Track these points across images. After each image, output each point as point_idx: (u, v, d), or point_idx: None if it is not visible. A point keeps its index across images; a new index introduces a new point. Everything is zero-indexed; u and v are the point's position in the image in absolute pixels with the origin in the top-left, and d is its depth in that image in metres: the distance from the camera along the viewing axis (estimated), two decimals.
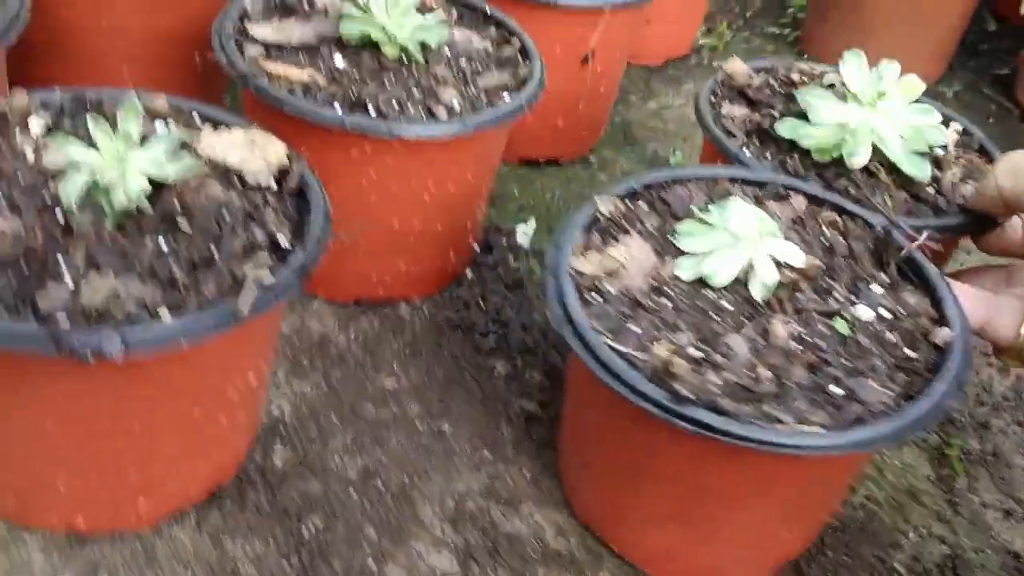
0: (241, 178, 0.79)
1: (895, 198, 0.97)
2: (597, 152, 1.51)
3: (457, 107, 0.99)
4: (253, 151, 0.81)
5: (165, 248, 0.70)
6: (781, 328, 0.74)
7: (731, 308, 0.78)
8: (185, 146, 0.80)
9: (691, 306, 0.77)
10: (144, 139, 0.79)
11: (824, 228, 0.87)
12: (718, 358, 0.72)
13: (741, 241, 0.77)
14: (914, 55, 1.37)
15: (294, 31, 1.02)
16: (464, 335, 1.11)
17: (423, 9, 1.12)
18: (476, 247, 1.21)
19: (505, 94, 1.04)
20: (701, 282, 0.79)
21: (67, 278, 0.65)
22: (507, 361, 1.08)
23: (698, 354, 0.72)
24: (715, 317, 0.76)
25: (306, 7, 1.09)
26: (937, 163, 1.03)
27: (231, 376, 0.75)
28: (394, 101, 0.96)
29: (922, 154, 0.98)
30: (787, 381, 0.71)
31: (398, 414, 0.99)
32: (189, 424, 0.75)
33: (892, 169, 0.98)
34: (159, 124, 0.83)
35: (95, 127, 0.70)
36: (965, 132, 1.14)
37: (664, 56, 1.78)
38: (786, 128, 0.99)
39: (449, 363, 1.07)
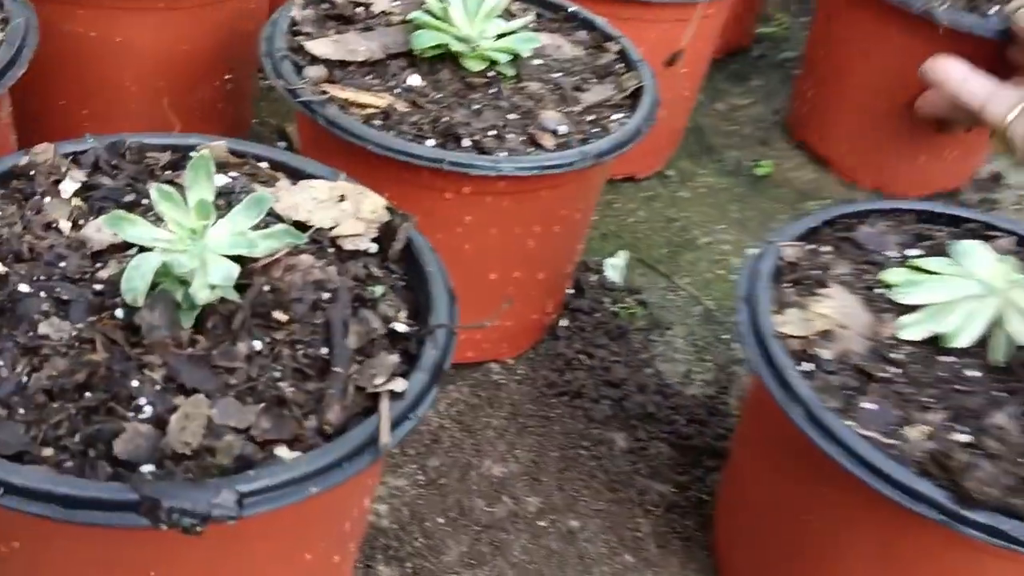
0: (337, 246, 0.63)
1: None
2: (675, 164, 1.35)
3: (564, 131, 0.83)
4: (345, 208, 0.65)
5: (263, 353, 0.53)
6: None
7: (978, 375, 0.62)
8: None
9: (929, 375, 0.62)
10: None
11: None
12: (991, 443, 0.57)
13: (991, 291, 0.62)
14: None
15: (358, 45, 0.86)
16: (571, 402, 0.95)
17: (506, 15, 0.96)
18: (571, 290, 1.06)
19: (615, 114, 0.88)
20: (932, 343, 0.64)
21: (146, 407, 0.49)
22: (627, 432, 0.93)
23: (964, 439, 0.57)
24: (964, 388, 0.61)
25: (363, 12, 0.93)
26: None
27: (350, 508, 0.58)
28: (491, 129, 0.80)
29: None
30: None
31: (515, 510, 0.83)
32: (296, 573, 0.58)
33: None
34: (220, 177, 0.67)
35: (160, 198, 0.53)
36: None
37: (723, 50, 1.63)
38: None
39: (561, 439, 0.91)
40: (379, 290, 0.61)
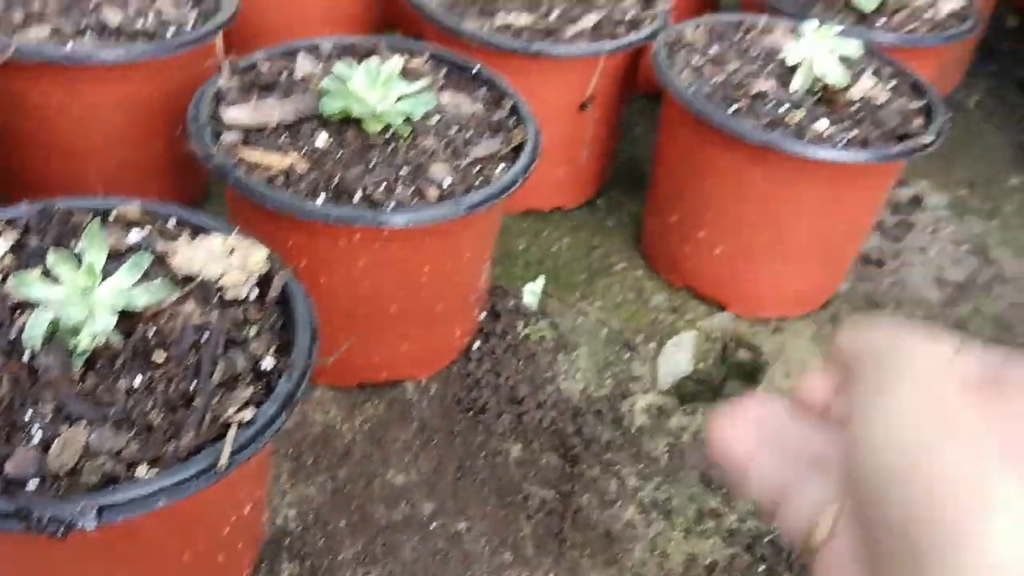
0: (221, 293, 0.75)
1: None
2: (605, 194, 1.46)
3: (448, 183, 0.95)
4: (233, 260, 0.77)
5: (139, 387, 0.66)
6: None
7: None
8: (160, 260, 0.77)
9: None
10: (118, 253, 0.76)
11: None
12: None
13: None
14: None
15: (273, 111, 0.98)
16: (475, 417, 1.07)
17: (409, 74, 1.08)
18: (483, 315, 1.17)
19: (500, 165, 0.99)
20: None
21: (36, 433, 0.62)
22: (523, 444, 1.04)
23: None
24: None
25: (285, 80, 1.05)
26: None
27: (225, 515, 0.71)
28: (382, 183, 0.92)
29: None
30: None
31: (410, 515, 0.95)
32: (180, 570, 0.71)
33: None
34: (135, 232, 0.80)
35: (56, 260, 0.66)
36: None
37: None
38: None
39: (461, 451, 1.02)
40: (252, 331, 0.73)
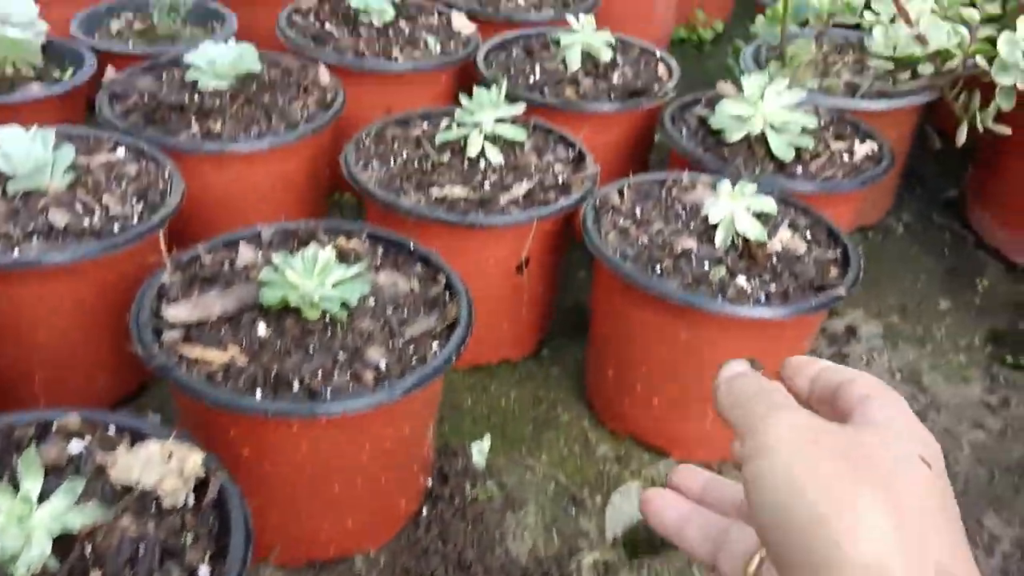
0: (158, 502, 0.78)
1: None
2: (549, 343, 1.51)
3: (385, 365, 0.99)
4: (171, 466, 0.80)
5: None
6: None
7: None
8: (100, 471, 0.79)
9: None
10: (58, 467, 0.79)
11: None
12: None
13: None
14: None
15: (214, 305, 1.03)
16: None
17: (348, 255, 1.13)
18: (430, 479, 1.20)
19: (435, 342, 1.04)
20: None
21: None
22: None
23: None
24: None
25: (227, 270, 1.10)
26: None
27: None
28: (319, 371, 0.96)
29: None
30: None
31: None
32: None
33: None
34: (75, 443, 0.83)
35: None
36: None
37: None
38: None
39: None
40: (188, 539, 0.76)
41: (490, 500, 1.21)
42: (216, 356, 0.96)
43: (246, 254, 1.12)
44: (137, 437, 0.85)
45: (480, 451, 1.28)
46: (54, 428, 0.84)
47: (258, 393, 0.93)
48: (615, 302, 1.25)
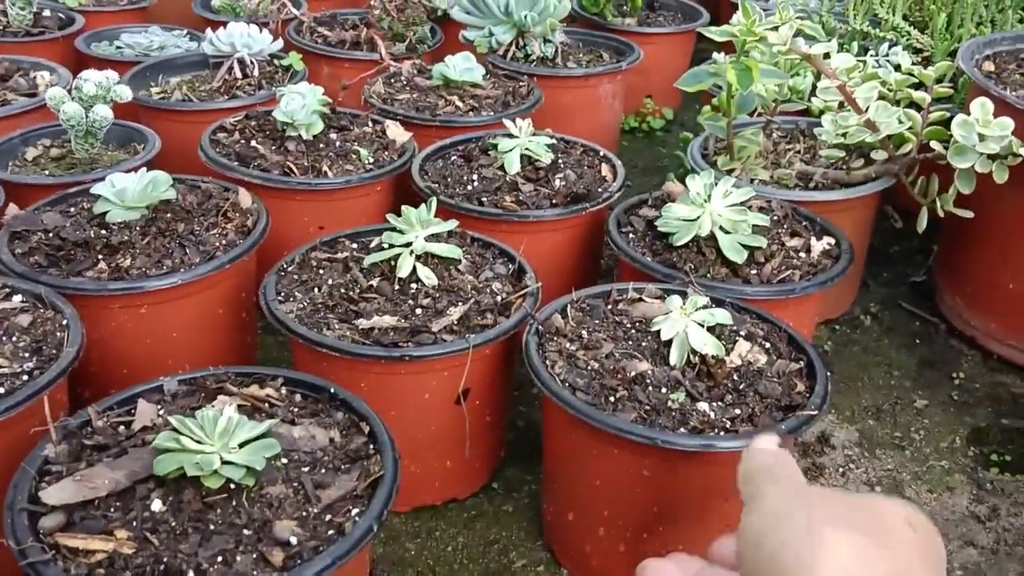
0: None
1: None
2: (501, 474, 1.39)
3: (296, 542, 0.86)
4: None
5: None
6: None
7: None
8: None
9: None
10: None
11: None
12: None
13: None
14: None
15: (102, 480, 0.90)
16: None
17: (258, 409, 1.02)
18: None
19: (355, 508, 0.92)
20: None
21: None
22: None
23: None
24: None
25: (123, 432, 0.98)
26: None
27: None
28: (218, 557, 0.84)
29: None
30: None
31: None
32: None
33: None
34: None
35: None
36: None
37: None
38: None
39: None
40: None
41: None
42: (100, 544, 0.84)
43: (145, 412, 1.01)
44: None
45: None
46: None
47: None
48: (569, 439, 1.13)
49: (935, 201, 1.58)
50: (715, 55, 1.68)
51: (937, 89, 1.51)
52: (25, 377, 1.08)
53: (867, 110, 1.52)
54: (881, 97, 1.55)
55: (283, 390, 1.07)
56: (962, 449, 1.48)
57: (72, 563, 0.83)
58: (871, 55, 1.91)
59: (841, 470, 1.43)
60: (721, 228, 1.35)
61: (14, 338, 1.14)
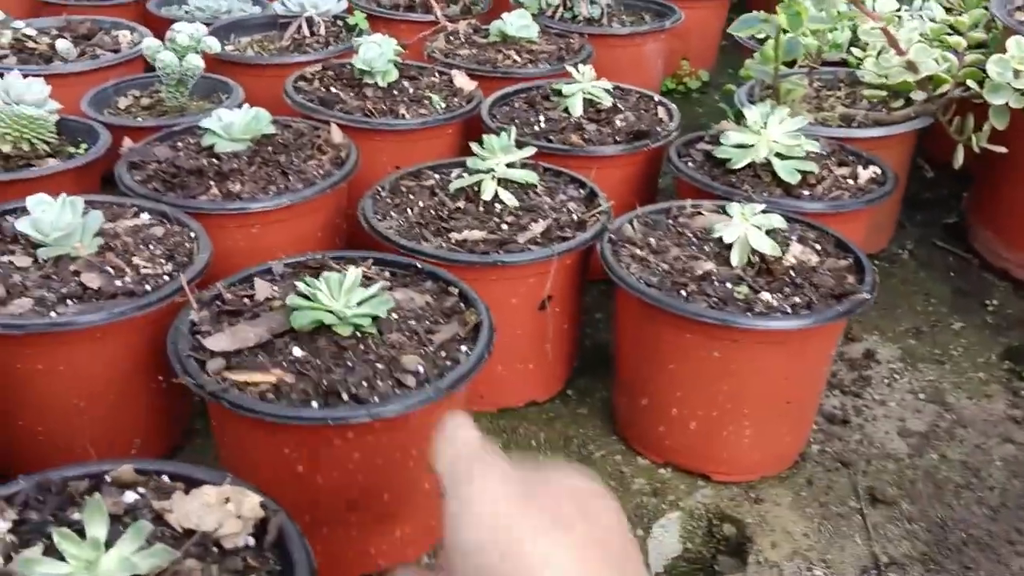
0: (219, 544, 0.82)
1: None
2: (574, 383, 1.56)
3: (422, 371, 1.06)
4: (229, 508, 0.84)
5: None
6: None
7: None
8: (159, 517, 0.84)
9: None
10: (116, 516, 0.83)
11: None
12: None
13: None
14: None
15: (248, 334, 1.09)
16: None
17: (365, 282, 1.20)
18: None
19: (463, 346, 1.13)
20: None
21: None
22: None
23: None
24: None
25: (249, 304, 1.17)
26: None
27: None
28: (363, 381, 1.03)
29: None
30: None
31: None
32: None
33: None
34: (129, 494, 0.87)
35: (60, 537, 0.74)
36: None
37: None
38: None
39: None
40: None
41: None
42: (262, 377, 1.03)
43: (263, 288, 1.19)
44: (191, 484, 0.89)
45: None
46: (108, 480, 0.89)
47: (314, 405, 1.00)
48: (643, 331, 1.31)
49: (970, 139, 1.74)
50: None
51: (971, 35, 1.68)
52: (167, 278, 1.26)
53: (908, 51, 1.69)
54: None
55: (374, 269, 1.25)
56: (998, 364, 1.65)
57: (244, 392, 1.01)
58: (905, 10, 2.08)
59: (886, 381, 1.60)
60: (776, 155, 1.52)
61: (151, 246, 1.32)
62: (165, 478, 0.90)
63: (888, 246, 1.98)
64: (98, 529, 0.75)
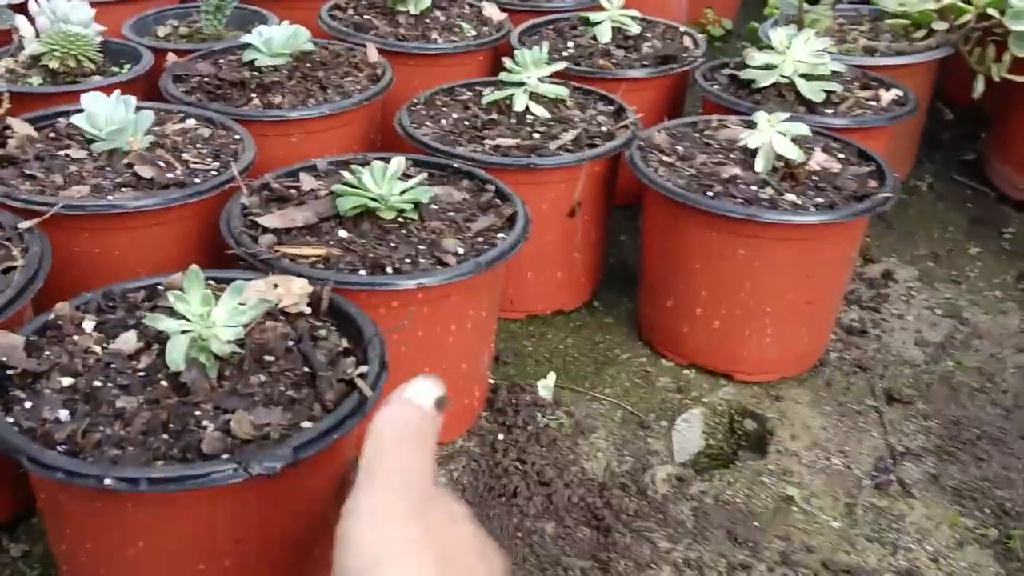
0: (286, 313, 0.94)
1: None
2: (600, 296, 1.63)
3: (462, 252, 1.14)
4: (280, 291, 0.95)
5: (267, 381, 0.86)
6: None
7: None
8: None
9: None
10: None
11: None
12: None
13: None
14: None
15: (297, 215, 1.17)
16: (508, 502, 1.18)
17: (404, 177, 1.27)
18: (505, 408, 1.32)
19: (499, 234, 1.20)
20: None
21: (208, 425, 0.80)
22: (556, 522, 1.16)
23: None
24: None
25: (295, 193, 1.24)
26: None
27: None
28: (406, 259, 1.11)
29: None
30: None
31: None
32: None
33: None
34: None
35: (175, 300, 0.85)
36: None
37: None
38: None
39: (497, 534, 1.13)
40: (323, 332, 0.93)
41: (561, 427, 1.32)
42: (311, 251, 1.11)
43: (308, 180, 1.27)
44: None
45: (546, 387, 1.39)
46: (163, 287, 0.99)
47: (361, 274, 1.08)
48: (670, 231, 1.38)
49: (990, 69, 1.79)
50: None
51: None
52: (214, 173, 1.33)
53: None
54: None
55: (413, 169, 1.32)
56: (1012, 285, 1.71)
57: (295, 262, 1.09)
58: None
59: (904, 298, 1.67)
60: (801, 75, 1.58)
61: (198, 145, 1.39)
62: (211, 283, 0.99)
63: (906, 179, 2.04)
64: (200, 291, 0.86)
